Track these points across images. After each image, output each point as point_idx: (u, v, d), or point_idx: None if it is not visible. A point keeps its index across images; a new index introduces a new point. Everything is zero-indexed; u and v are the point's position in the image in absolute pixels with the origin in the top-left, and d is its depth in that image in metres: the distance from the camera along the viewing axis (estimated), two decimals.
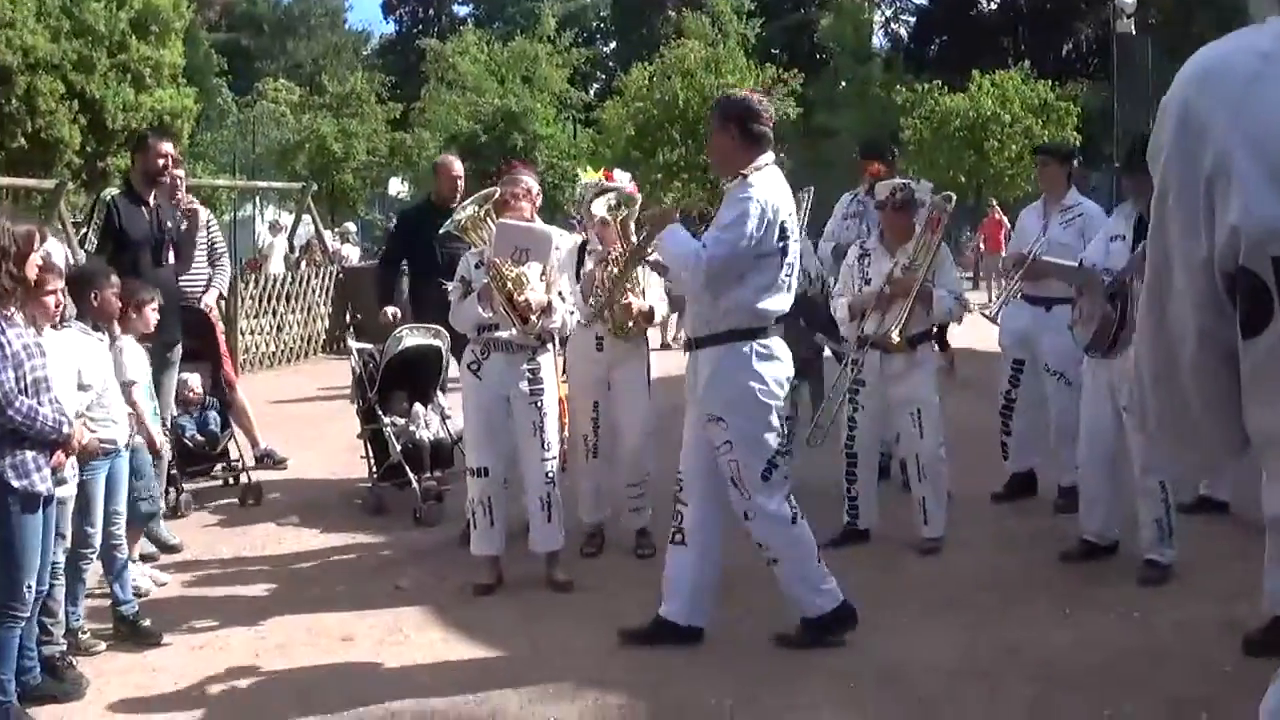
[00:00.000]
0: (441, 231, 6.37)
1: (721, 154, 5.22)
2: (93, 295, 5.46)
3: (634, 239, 6.44)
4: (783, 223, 4.99)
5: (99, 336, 5.43)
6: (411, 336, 7.53)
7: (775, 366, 5.10)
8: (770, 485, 5.08)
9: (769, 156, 5.11)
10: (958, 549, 6.59)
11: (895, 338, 6.29)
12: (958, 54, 42.76)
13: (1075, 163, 7.74)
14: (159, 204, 6.96)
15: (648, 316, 6.54)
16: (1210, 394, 1.47)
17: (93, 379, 5.18)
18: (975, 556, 6.49)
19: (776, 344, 5.12)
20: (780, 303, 5.10)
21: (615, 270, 6.41)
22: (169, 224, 7.07)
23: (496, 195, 6.16)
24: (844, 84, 42.66)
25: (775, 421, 5.08)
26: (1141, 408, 1.58)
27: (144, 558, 6.43)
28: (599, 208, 6.50)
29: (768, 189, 4.98)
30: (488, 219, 5.98)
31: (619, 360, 6.67)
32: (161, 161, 6.97)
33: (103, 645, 5.36)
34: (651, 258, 6.17)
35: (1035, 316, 7.25)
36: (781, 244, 5.01)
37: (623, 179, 6.90)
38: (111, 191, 7.04)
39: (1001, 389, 7.60)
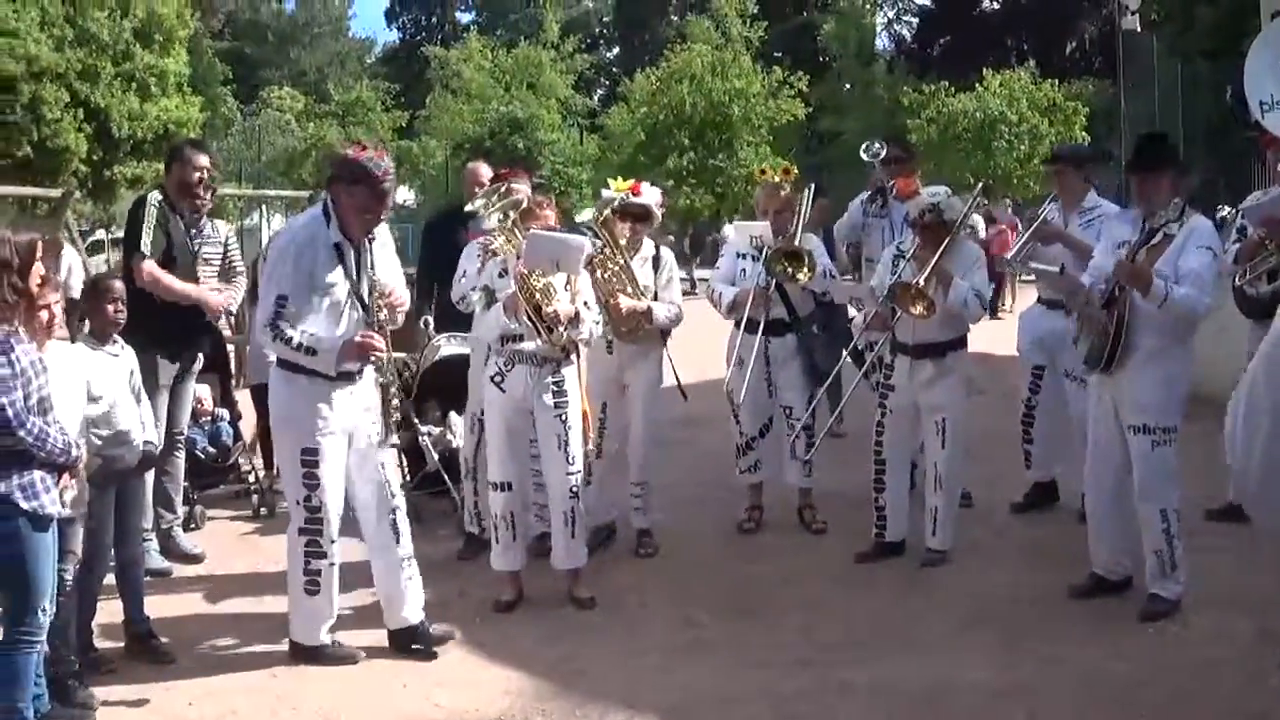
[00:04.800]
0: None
1: None
2: (109, 307, 5.32)
3: (622, 243, 6.52)
4: None
5: (109, 350, 5.28)
6: (448, 346, 7.49)
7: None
8: None
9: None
10: (986, 561, 6.45)
11: (922, 282, 6.10)
12: (961, 54, 42.70)
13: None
14: (190, 216, 6.76)
15: (645, 316, 6.49)
16: None
17: (103, 392, 5.06)
18: (1005, 569, 6.34)
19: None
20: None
21: (607, 273, 6.46)
22: (196, 236, 6.83)
23: (523, 203, 6.02)
24: (848, 86, 42.61)
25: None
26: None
27: (156, 573, 6.31)
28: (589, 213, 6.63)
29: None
30: (515, 228, 5.85)
31: (629, 363, 6.66)
32: (198, 175, 6.73)
33: (114, 665, 5.21)
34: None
35: (1054, 321, 7.02)
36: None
37: (653, 195, 6.75)
38: (156, 196, 6.81)
39: (1022, 396, 7.42)
